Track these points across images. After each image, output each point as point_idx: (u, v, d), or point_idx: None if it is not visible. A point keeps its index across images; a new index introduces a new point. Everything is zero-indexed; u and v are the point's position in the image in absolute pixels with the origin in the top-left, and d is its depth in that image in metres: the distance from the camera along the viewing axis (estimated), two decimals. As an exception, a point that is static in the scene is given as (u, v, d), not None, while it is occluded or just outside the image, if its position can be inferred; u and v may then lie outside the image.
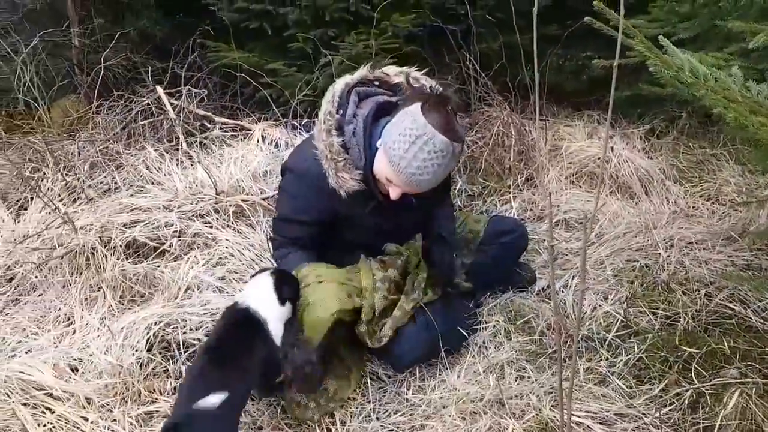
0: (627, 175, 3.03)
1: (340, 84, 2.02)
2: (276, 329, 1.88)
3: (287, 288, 1.95)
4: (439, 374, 2.11)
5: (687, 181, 3.10)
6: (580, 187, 3.06)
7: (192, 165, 2.84)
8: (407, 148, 1.85)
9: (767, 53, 1.64)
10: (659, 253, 2.52)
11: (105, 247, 2.37)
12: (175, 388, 2.03)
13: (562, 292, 2.42)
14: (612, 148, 3.13)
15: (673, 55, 1.40)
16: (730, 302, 2.22)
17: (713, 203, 2.94)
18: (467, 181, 3.15)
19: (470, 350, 2.19)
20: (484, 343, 2.21)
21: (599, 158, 3.10)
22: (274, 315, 1.89)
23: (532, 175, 3.11)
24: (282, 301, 1.92)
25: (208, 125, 3.13)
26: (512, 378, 2.04)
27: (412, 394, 2.05)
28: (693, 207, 2.93)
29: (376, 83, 2.08)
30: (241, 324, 1.87)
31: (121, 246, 2.38)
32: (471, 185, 3.14)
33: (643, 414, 1.86)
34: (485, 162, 3.16)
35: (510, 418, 1.84)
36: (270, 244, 2.33)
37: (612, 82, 1.22)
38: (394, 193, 1.96)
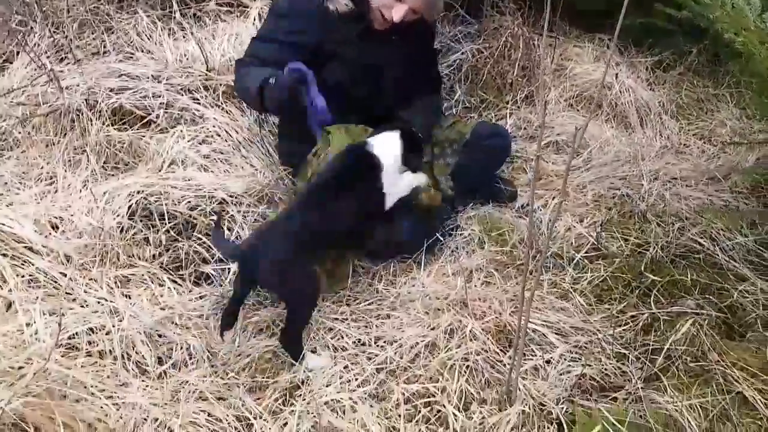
0: (626, 104, 2.99)
1: None
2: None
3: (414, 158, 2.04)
4: (410, 272, 2.18)
5: (684, 118, 3.08)
6: (578, 110, 3.03)
7: (184, 37, 2.75)
8: None
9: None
10: (642, 184, 2.55)
11: (91, 110, 2.33)
12: (154, 256, 2.09)
13: (540, 210, 2.46)
14: (616, 75, 3.07)
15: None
16: (701, 238, 2.28)
17: (705, 143, 2.94)
18: (466, 92, 3.10)
19: (444, 253, 2.25)
20: (457, 248, 2.27)
21: (603, 85, 3.04)
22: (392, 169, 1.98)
23: (532, 92, 3.06)
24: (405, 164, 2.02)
25: (205, -4, 2.98)
26: (479, 283, 2.11)
27: (383, 287, 2.13)
28: (684, 144, 2.93)
29: None
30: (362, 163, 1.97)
31: (107, 111, 2.35)
32: (469, 97, 3.09)
33: (598, 330, 1.95)
34: (487, 74, 3.09)
35: (471, 317, 1.92)
36: (235, 65, 2.21)
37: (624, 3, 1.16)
38: (398, 12, 1.97)
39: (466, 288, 2.02)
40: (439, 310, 1.98)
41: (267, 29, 2.14)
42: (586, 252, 2.23)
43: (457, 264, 2.18)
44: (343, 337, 1.93)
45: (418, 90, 2.33)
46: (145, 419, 1.63)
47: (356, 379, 1.78)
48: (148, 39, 2.72)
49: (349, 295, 2.08)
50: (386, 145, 2.00)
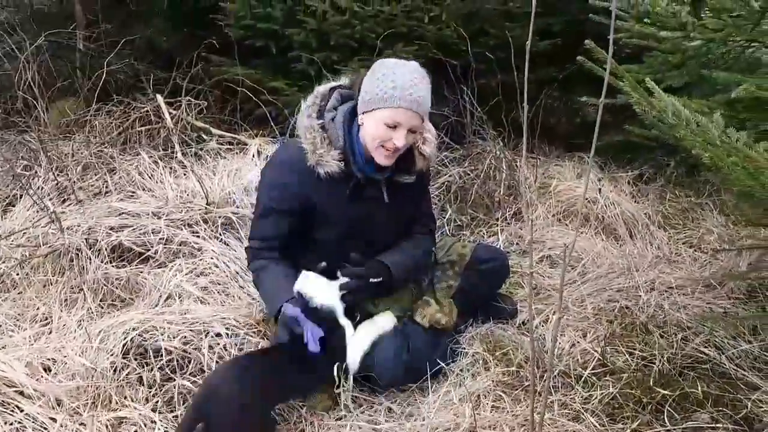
0: (613, 217, 3.08)
1: (324, 85, 2.16)
2: None
3: None
4: (414, 402, 2.11)
5: (671, 228, 3.16)
6: (566, 225, 3.11)
7: (185, 174, 2.86)
8: (393, 78, 1.96)
9: (750, 104, 1.70)
10: (640, 296, 2.55)
11: (90, 249, 2.37)
12: (147, 398, 2.02)
13: (542, 326, 2.44)
14: (600, 190, 3.19)
15: (659, 97, 1.45)
16: (706, 347, 2.25)
17: (695, 251, 2.99)
18: (457, 211, 3.19)
19: (448, 378, 2.19)
20: (462, 371, 2.22)
21: (587, 199, 3.14)
22: None
23: (520, 210, 3.15)
24: None
25: (205, 137, 3.16)
26: (487, 408, 2.03)
27: (383, 418, 2.04)
28: (676, 253, 2.97)
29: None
30: None
31: (106, 249, 2.38)
32: (460, 215, 3.18)
33: (615, 453, 1.86)
34: (475, 194, 3.21)
35: (482, 447, 1.84)
36: (246, 253, 2.27)
37: (597, 120, 1.25)
38: (399, 138, 2.01)
39: (474, 416, 1.94)
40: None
41: (261, 204, 2.17)
42: (593, 369, 2.18)
43: (463, 388, 2.12)
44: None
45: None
46: None
47: None
48: (150, 177, 2.83)
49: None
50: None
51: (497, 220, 3.13)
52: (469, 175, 3.26)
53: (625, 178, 3.42)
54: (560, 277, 2.41)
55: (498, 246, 2.93)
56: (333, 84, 2.17)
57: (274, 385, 1.87)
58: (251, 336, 2.17)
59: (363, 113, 2.05)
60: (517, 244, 3.02)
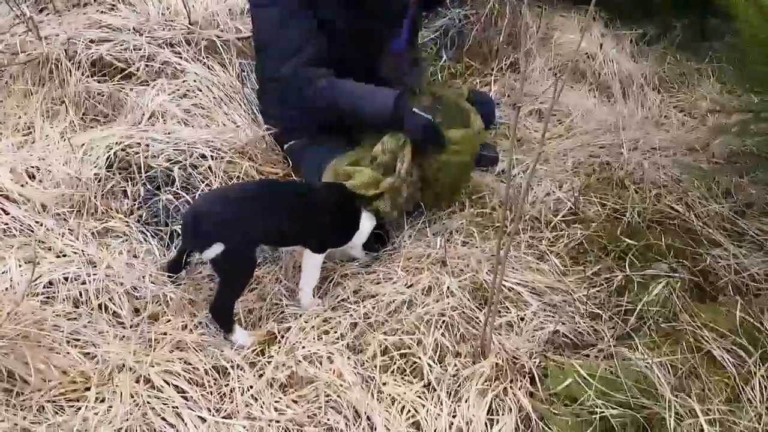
0: (609, 74, 3.02)
1: None
2: None
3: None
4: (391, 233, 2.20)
5: (665, 91, 3.11)
6: (561, 80, 3.03)
7: (168, -9, 2.69)
8: None
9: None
10: (621, 153, 2.58)
11: (70, 60, 2.29)
12: (131, 210, 2.07)
13: (520, 176, 2.48)
14: (601, 45, 3.08)
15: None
16: (677, 204, 2.32)
17: (685, 115, 2.97)
18: (452, 58, 3.09)
19: (424, 215, 2.26)
20: (437, 211, 2.29)
21: (587, 54, 3.05)
22: None
23: (516, 60, 3.06)
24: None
25: (190, -49, 2.92)
26: (458, 243, 2.13)
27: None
28: (665, 116, 2.96)
29: None
30: None
31: (86, 62, 2.30)
32: (455, 63, 3.09)
33: (573, 290, 1.99)
34: (473, 40, 3.09)
35: (449, 276, 1.95)
36: (284, 80, 2.12)
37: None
38: None
39: (446, 246, 2.04)
40: (417, 268, 2.00)
41: (279, 11, 2.06)
42: (563, 216, 2.26)
43: (437, 225, 2.20)
44: (326, 293, 1.95)
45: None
46: (121, 367, 1.64)
47: (334, 332, 1.80)
48: (130, -9, 2.66)
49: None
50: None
51: (492, 70, 3.05)
52: (469, 19, 3.11)
53: (628, 37, 3.29)
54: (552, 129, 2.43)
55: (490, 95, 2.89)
56: None
57: (272, 226, 1.85)
58: (237, 159, 2.18)
59: None
60: (509, 96, 2.97)
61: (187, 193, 2.09)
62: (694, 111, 2.99)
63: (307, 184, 2.17)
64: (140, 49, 2.37)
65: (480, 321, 1.82)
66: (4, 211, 1.95)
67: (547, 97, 2.90)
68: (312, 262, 1.93)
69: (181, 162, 2.14)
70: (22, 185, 2.01)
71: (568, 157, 2.57)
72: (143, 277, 1.89)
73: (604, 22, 3.35)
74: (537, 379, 1.69)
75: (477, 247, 2.10)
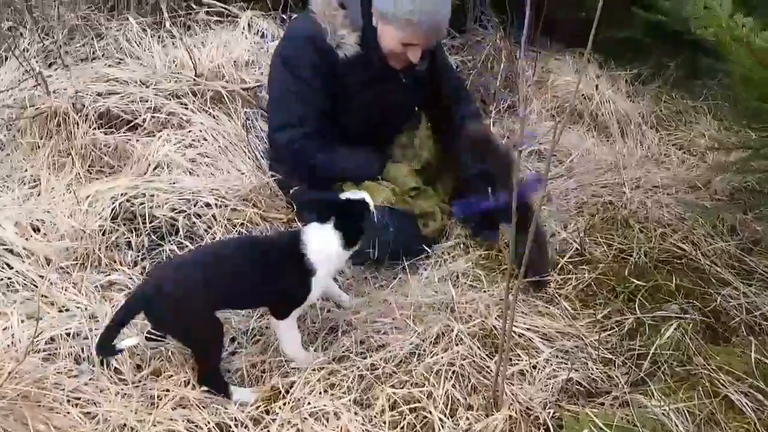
0: (607, 114, 3.06)
1: None
2: None
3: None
4: (397, 278, 2.18)
5: (663, 129, 3.16)
6: (560, 121, 3.08)
7: (174, 44, 2.75)
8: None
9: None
10: (624, 192, 2.59)
11: (77, 113, 2.32)
12: (135, 261, 2.06)
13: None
14: (596, 86, 3.14)
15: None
16: (683, 243, 2.31)
17: (684, 153, 3.00)
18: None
19: (431, 259, 2.25)
20: (443, 253, 2.28)
21: (584, 95, 3.10)
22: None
23: (514, 103, 3.11)
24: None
25: (195, 6, 3.01)
26: (465, 287, 2.11)
27: (368, 290, 2.13)
28: (665, 154, 2.99)
29: None
30: None
31: (93, 115, 2.33)
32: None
33: (584, 335, 1.96)
34: (471, 84, 3.14)
35: (457, 322, 1.92)
36: (279, 144, 2.21)
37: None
38: (415, 55, 1.99)
39: (453, 291, 2.02)
40: (425, 315, 1.98)
41: (285, 84, 2.11)
42: (570, 257, 2.25)
43: (444, 268, 2.19)
44: (331, 343, 1.92)
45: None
46: (122, 426, 1.59)
47: (341, 386, 1.75)
48: (138, 45, 2.73)
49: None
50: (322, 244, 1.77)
51: (491, 112, 3.09)
52: (466, 64, 3.18)
53: (623, 77, 3.36)
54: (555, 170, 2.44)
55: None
56: None
57: (222, 289, 1.71)
58: (241, 207, 2.18)
59: (379, 20, 1.99)
60: (508, 137, 3.00)
61: (191, 242, 2.09)
62: (693, 148, 3.02)
63: (272, 238, 2.03)
64: (147, 101, 2.41)
65: (491, 370, 1.78)
66: (8, 265, 1.94)
67: (546, 138, 2.94)
68: (282, 327, 1.80)
69: (185, 211, 2.14)
70: (26, 238, 2.01)
71: (570, 197, 2.58)
72: (144, 331, 1.86)
73: (599, 64, 3.42)
74: (552, 430, 1.65)
75: (485, 291, 2.08)
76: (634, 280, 2.14)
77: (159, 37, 2.79)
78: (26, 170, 2.25)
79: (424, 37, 1.96)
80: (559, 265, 2.22)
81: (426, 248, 2.24)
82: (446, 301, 2.01)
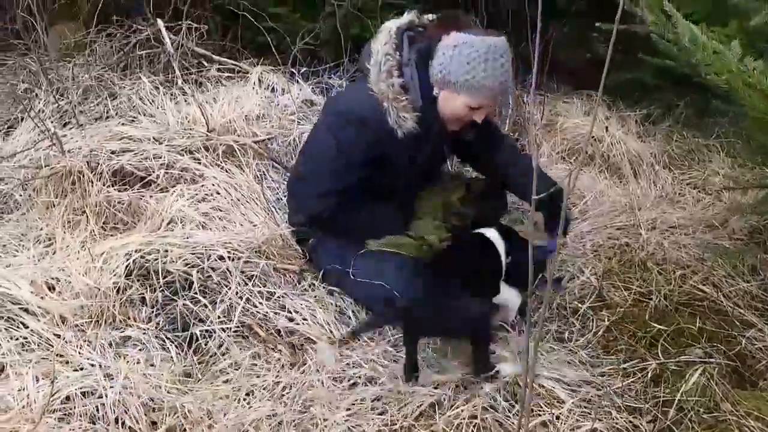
0: (618, 156, 3.06)
1: (392, 25, 2.06)
2: None
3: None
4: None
5: (676, 168, 3.13)
6: (571, 163, 3.08)
7: (186, 101, 2.82)
8: (485, 67, 1.93)
9: (765, 31, 1.64)
10: (640, 234, 2.56)
11: (92, 172, 2.36)
12: (150, 317, 2.05)
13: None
14: (606, 128, 3.14)
15: (676, 21, 1.40)
16: (704, 285, 2.27)
17: (699, 191, 2.97)
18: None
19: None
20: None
21: (594, 136, 3.11)
22: None
23: (525, 146, 3.12)
24: None
25: (206, 64, 3.09)
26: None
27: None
28: (679, 193, 2.96)
29: (420, 29, 2.10)
30: None
31: (108, 172, 2.37)
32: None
33: (607, 383, 1.90)
34: (480, 129, 3.16)
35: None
36: (308, 205, 2.22)
37: (610, 44, 1.19)
38: (480, 117, 2.06)
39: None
40: (444, 366, 1.94)
41: (335, 160, 2.11)
42: (590, 303, 2.21)
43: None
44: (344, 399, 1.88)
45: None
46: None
47: (358, 440, 1.71)
48: (151, 103, 2.79)
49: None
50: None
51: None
52: (474, 110, 3.20)
53: (632, 118, 3.36)
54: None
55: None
56: (398, 22, 2.07)
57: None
58: (255, 259, 2.18)
59: (441, 89, 2.02)
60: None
61: (204, 297, 2.08)
62: (708, 187, 2.99)
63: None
64: (160, 158, 2.44)
65: (514, 424, 1.73)
66: (24, 324, 1.94)
67: (559, 180, 2.92)
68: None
69: (199, 265, 2.14)
70: (41, 297, 2.01)
71: (586, 240, 2.56)
72: (160, 386, 1.84)
73: (607, 105, 3.44)
74: (579, 484, 1.59)
75: (506, 342, 2.04)
76: (656, 324, 2.09)
77: (171, 95, 2.86)
78: (41, 229, 2.27)
79: (494, 99, 2.06)
80: (579, 312, 2.18)
81: None
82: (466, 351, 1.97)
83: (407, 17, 2.09)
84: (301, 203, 2.30)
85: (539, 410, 1.79)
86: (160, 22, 3.15)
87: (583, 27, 3.53)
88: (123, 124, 2.66)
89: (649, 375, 1.93)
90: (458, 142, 2.26)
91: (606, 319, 2.13)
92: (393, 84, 1.98)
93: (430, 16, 2.14)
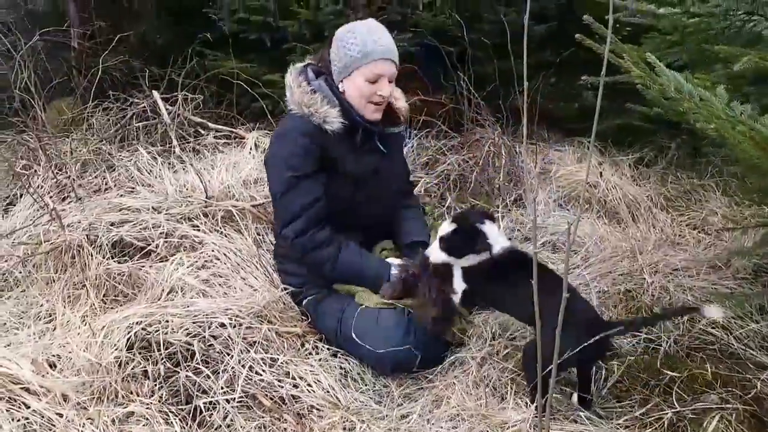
0: (615, 200, 3.07)
1: (297, 64, 2.30)
2: None
3: None
4: (424, 384, 2.11)
5: (674, 210, 3.14)
6: (567, 210, 3.09)
7: (184, 169, 2.85)
8: (363, 39, 2.13)
9: (753, 78, 1.68)
10: (644, 278, 2.53)
11: (91, 245, 2.36)
12: (152, 391, 2.01)
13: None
14: (600, 173, 3.17)
15: (661, 72, 1.44)
16: (713, 328, 2.23)
17: (699, 232, 2.96)
18: (456, 199, 3.17)
19: (455, 366, 2.18)
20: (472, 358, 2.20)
21: (589, 183, 3.13)
22: None
23: (520, 196, 3.14)
24: None
25: (203, 132, 3.14)
26: (496, 393, 2.02)
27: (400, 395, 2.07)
28: (679, 235, 2.95)
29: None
30: None
31: (107, 245, 2.37)
32: (460, 203, 3.16)
33: (626, 435, 1.85)
34: (474, 181, 3.19)
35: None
36: (287, 243, 2.24)
37: (598, 97, 1.22)
38: (384, 88, 2.18)
39: (486, 397, 1.94)
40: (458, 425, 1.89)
41: (288, 180, 2.18)
42: (599, 352, 2.17)
43: (475, 373, 2.11)
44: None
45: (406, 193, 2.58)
46: None
47: None
48: (149, 173, 2.82)
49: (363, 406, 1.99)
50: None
51: (498, 206, 3.11)
52: (467, 162, 3.25)
53: (625, 162, 3.40)
54: (564, 261, 2.41)
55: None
56: (301, 64, 2.29)
57: None
58: (256, 324, 2.15)
59: (342, 81, 2.19)
60: (518, 230, 3.00)
61: (206, 367, 2.04)
62: (707, 227, 2.99)
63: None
64: (159, 227, 2.45)
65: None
66: (25, 404, 1.89)
67: (557, 228, 2.93)
68: None
69: (200, 334, 2.11)
70: (42, 375, 1.97)
71: (590, 288, 2.53)
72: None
73: (599, 150, 3.49)
74: None
75: (516, 397, 1.99)
76: (668, 372, 2.05)
77: (169, 164, 2.89)
78: (42, 305, 2.25)
79: (385, 66, 2.16)
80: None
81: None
82: (478, 412, 1.92)
83: (307, 59, 2.35)
84: (281, 243, 2.35)
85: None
86: (155, 93, 3.22)
87: (570, 78, 3.64)
88: (121, 195, 2.68)
89: (666, 424, 1.88)
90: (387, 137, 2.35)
91: (617, 370, 2.09)
92: (304, 89, 2.15)
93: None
